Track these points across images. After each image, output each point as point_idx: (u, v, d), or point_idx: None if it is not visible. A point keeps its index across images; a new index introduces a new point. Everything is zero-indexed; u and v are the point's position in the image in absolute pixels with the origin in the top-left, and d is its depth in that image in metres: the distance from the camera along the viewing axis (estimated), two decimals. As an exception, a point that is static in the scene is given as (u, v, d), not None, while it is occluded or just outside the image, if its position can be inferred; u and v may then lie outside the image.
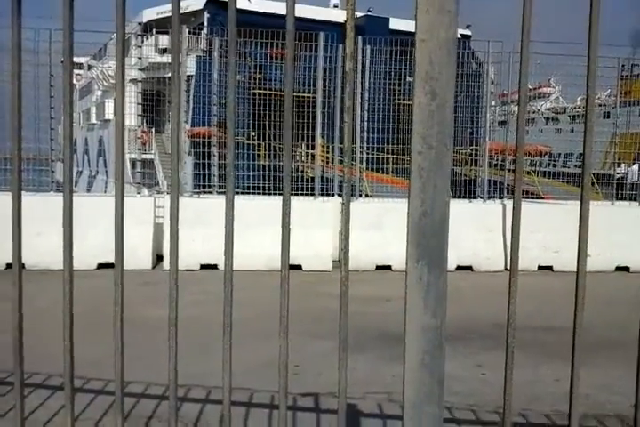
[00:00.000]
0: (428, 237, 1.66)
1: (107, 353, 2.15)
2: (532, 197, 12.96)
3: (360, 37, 11.83)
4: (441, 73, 1.62)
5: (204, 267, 9.68)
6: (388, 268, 10.10)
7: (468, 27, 25.70)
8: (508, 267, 1.94)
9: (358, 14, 20.76)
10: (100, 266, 9.29)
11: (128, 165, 12.77)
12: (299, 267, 9.65)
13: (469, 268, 10.37)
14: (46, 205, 7.33)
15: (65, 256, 1.92)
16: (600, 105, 16.47)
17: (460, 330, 6.26)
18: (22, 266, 2.06)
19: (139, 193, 11.87)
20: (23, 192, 2.09)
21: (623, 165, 14.79)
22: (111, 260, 2.07)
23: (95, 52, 20.20)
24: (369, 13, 24.88)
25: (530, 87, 18.33)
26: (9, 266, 2.12)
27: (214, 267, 9.35)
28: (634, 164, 15.01)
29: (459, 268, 10.05)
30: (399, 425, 1.85)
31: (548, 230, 10.24)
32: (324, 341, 5.52)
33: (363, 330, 6.09)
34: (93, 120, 23.16)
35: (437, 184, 1.64)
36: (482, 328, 6.56)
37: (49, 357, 3.06)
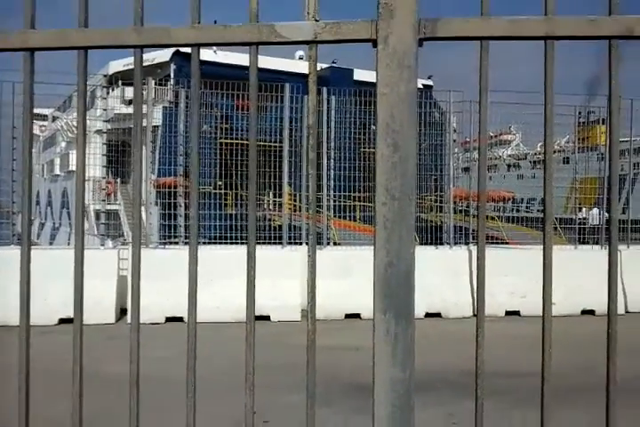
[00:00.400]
0: (394, 288, 1.65)
1: (65, 413, 2.07)
2: (498, 242, 13.13)
3: (325, 88, 12.09)
4: (402, 126, 1.64)
5: (169, 320, 9.50)
6: (358, 316, 10.04)
7: (429, 77, 26.48)
8: (476, 312, 1.93)
9: (323, 66, 21.26)
10: (62, 321, 9.04)
11: (92, 216, 12.63)
12: (267, 317, 9.53)
13: (438, 314, 10.36)
14: (7, 258, 7.17)
15: (22, 313, 1.86)
16: (559, 151, 16.97)
17: (429, 379, 6.20)
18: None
19: (102, 245, 11.70)
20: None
21: (584, 209, 15.18)
22: (73, 315, 2.01)
23: (60, 104, 20.23)
24: (334, 65, 25.51)
25: (491, 135, 18.84)
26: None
27: (180, 320, 9.18)
28: (593, 208, 15.42)
29: (427, 315, 10.03)
30: (371, 482, 1.80)
31: (514, 275, 10.33)
32: (293, 394, 5.39)
33: (332, 381, 5.99)
34: (57, 171, 22.98)
35: (402, 235, 1.64)
36: (451, 376, 6.51)
37: (3, 417, 2.92)
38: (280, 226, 11.89)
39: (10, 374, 2.81)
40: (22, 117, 1.84)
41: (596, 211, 15.30)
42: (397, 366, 1.66)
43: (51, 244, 18.39)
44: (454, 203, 12.84)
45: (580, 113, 14.09)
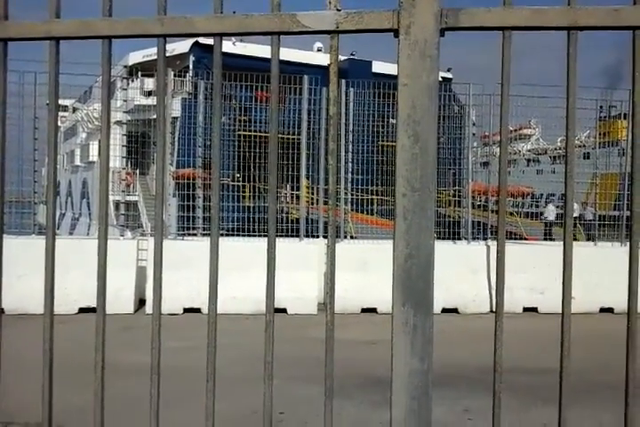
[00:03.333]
0: (414, 279, 1.65)
1: (86, 401, 2.09)
2: (516, 238, 13.04)
3: (344, 80, 12.05)
4: (423, 117, 1.63)
5: (187, 311, 9.55)
6: (374, 310, 10.03)
7: (449, 70, 26.30)
8: (494, 309, 1.92)
9: (341, 58, 21.19)
10: (82, 310, 9.14)
11: (112, 207, 12.72)
12: (284, 310, 9.55)
13: (455, 310, 10.32)
14: (28, 248, 7.26)
15: (46, 302, 1.88)
16: (580, 146, 16.80)
17: (446, 374, 6.18)
18: (1, 311, 2.01)
19: (122, 235, 11.79)
20: (5, 235, 2.06)
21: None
22: (92, 304, 2.03)
23: (80, 95, 20.37)
24: (352, 57, 25.42)
25: (511, 129, 18.68)
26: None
27: (198, 311, 9.23)
28: (549, 204, 15.68)
29: (444, 310, 10.00)
30: (387, 474, 1.80)
31: (533, 271, 10.26)
32: (310, 386, 5.41)
33: (349, 375, 6.00)
34: (77, 162, 23.16)
35: (422, 226, 1.64)
36: (469, 372, 6.49)
37: (26, 405, 2.96)
38: (297, 219, 11.90)
39: (28, 362, 2.84)
40: (46, 108, 1.85)
41: (551, 207, 15.58)
42: (416, 358, 1.66)
43: (71, 234, 18.57)
44: (473, 197, 12.77)
45: (601, 107, 13.90)
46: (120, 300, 9.27)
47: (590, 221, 13.47)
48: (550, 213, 15.67)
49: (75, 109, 23.06)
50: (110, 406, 2.14)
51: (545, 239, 13.64)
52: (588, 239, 13.16)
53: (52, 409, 1.93)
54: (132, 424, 4.17)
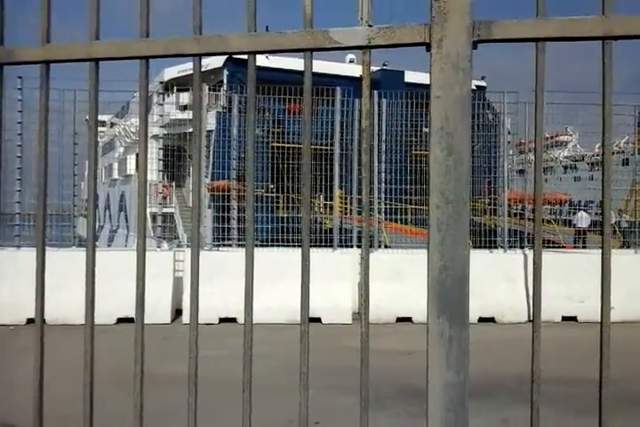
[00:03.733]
0: (449, 291, 1.65)
1: (126, 410, 2.13)
2: (554, 246, 12.84)
3: (376, 91, 12.06)
4: (456, 128, 1.64)
5: (222, 320, 9.62)
6: (409, 319, 9.97)
7: (482, 78, 26.13)
8: (531, 318, 1.91)
9: (374, 68, 21.22)
10: (120, 320, 9.27)
11: (149, 219, 12.91)
12: (318, 320, 9.55)
13: (492, 319, 10.20)
14: (68, 260, 7.41)
15: (87, 314, 1.93)
16: (618, 152, 16.48)
17: (484, 385, 6.11)
18: (43, 321, 2.07)
19: (159, 247, 11.95)
20: (46, 247, 2.13)
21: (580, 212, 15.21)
22: (130, 314, 2.07)
23: (118, 110, 20.78)
24: (384, 67, 25.43)
25: (547, 136, 18.46)
26: (30, 321, 2.14)
27: (233, 320, 9.29)
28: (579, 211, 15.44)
29: (481, 319, 9.89)
30: (424, 486, 1.79)
31: (571, 280, 10.09)
32: (345, 396, 5.40)
33: (384, 385, 5.97)
34: (115, 176, 23.59)
35: (456, 238, 1.64)
36: (506, 383, 6.40)
37: (68, 414, 3.03)
38: (331, 229, 11.91)
39: (69, 371, 2.90)
40: (85, 124, 1.91)
41: (582, 214, 15.30)
42: (451, 370, 1.66)
43: (109, 246, 18.89)
44: (509, 206, 12.62)
45: (639, 113, 13.65)
46: (157, 310, 9.39)
47: (625, 228, 13.20)
48: (581, 220, 15.38)
49: (112, 124, 23.53)
50: (149, 416, 2.18)
51: (575, 247, 13.40)
52: (623, 246, 12.89)
53: (92, 418, 1.97)
54: (170, 434, 4.21)
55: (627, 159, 15.51)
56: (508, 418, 5.37)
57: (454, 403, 1.67)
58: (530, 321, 2.45)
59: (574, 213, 16.42)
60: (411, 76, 23.84)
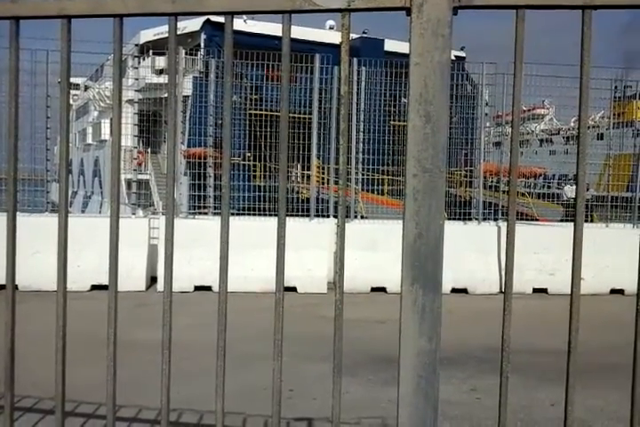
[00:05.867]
0: (423, 259, 1.66)
1: (98, 376, 2.13)
2: (528, 219, 12.99)
3: (355, 59, 11.94)
4: (435, 96, 1.63)
5: (198, 289, 9.63)
6: (383, 289, 10.07)
7: (462, 48, 26.01)
8: (503, 289, 1.93)
9: (353, 36, 20.99)
10: (94, 287, 9.24)
11: (123, 185, 12.76)
12: (293, 289, 9.61)
13: (464, 290, 10.35)
14: (40, 226, 7.33)
15: (59, 278, 1.91)
16: (593, 126, 16.61)
17: (454, 354, 6.23)
18: (16, 287, 2.04)
19: (133, 214, 11.86)
20: (18, 212, 2.09)
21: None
22: (105, 281, 2.06)
23: (92, 73, 20.34)
24: (364, 35, 25.15)
25: (524, 109, 18.52)
26: (2, 287, 2.11)
27: (208, 289, 9.30)
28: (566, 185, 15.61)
29: (454, 290, 10.03)
30: (394, 450, 1.83)
31: (543, 252, 10.25)
32: (319, 364, 5.47)
33: (357, 353, 6.05)
34: (89, 141, 23.22)
35: (432, 207, 1.64)
36: (476, 352, 6.53)
37: (40, 379, 3.02)
38: (308, 198, 11.90)
39: (43, 338, 2.90)
40: (58, 86, 1.86)
41: (569, 187, 15.39)
42: (424, 337, 1.67)
43: (83, 212, 18.69)
44: (484, 178, 12.69)
45: (616, 87, 13.71)
46: (132, 277, 9.35)
47: (590, 202, 13.34)
48: (569, 193, 15.41)
49: (86, 88, 23.06)
50: (122, 381, 2.18)
51: (564, 221, 13.44)
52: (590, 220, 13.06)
53: (64, 383, 1.97)
54: (143, 399, 4.25)
55: (601, 134, 15.64)
56: (478, 386, 5.49)
57: (426, 370, 1.69)
58: (501, 292, 2.49)
59: (561, 187, 16.50)
60: (391, 45, 23.62)
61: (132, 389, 4.20)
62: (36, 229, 7.37)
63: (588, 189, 14.20)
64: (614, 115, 13.97)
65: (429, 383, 1.70)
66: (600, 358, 5.92)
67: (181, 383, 3.05)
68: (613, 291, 10.55)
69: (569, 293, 1.92)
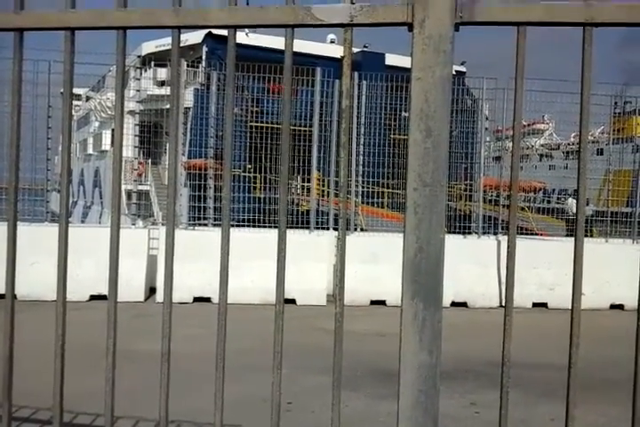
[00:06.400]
0: (424, 273, 1.66)
1: (97, 386, 2.12)
2: (527, 233, 12.98)
3: (356, 73, 11.99)
4: (436, 111, 1.64)
5: (197, 300, 9.61)
6: (383, 302, 10.05)
7: (462, 63, 26.14)
8: (503, 303, 1.93)
9: (355, 50, 21.08)
10: (93, 297, 9.21)
11: (124, 196, 12.77)
12: (293, 301, 9.58)
13: (464, 304, 10.32)
14: (40, 236, 7.32)
15: (59, 288, 1.91)
16: (593, 142, 16.64)
17: (454, 368, 6.20)
18: (14, 296, 2.04)
19: (133, 224, 11.85)
20: (18, 222, 2.09)
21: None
22: (104, 291, 2.06)
23: (94, 84, 20.42)
24: (365, 49, 25.28)
25: (524, 123, 18.58)
26: (1, 296, 2.11)
27: (207, 300, 9.28)
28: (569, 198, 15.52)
29: (454, 304, 10.00)
30: (393, 465, 1.82)
31: (543, 267, 10.23)
32: (318, 376, 5.45)
33: (357, 366, 6.03)
34: (90, 151, 23.26)
35: (432, 221, 1.64)
36: (476, 366, 6.50)
37: (38, 389, 3.01)
38: (308, 211, 11.90)
39: (41, 348, 2.88)
40: (60, 96, 1.86)
41: (572, 200, 15.30)
42: (424, 351, 1.67)
43: (82, 222, 18.68)
44: (484, 192, 12.70)
45: (616, 103, 13.76)
46: (131, 288, 9.33)
47: (591, 217, 13.34)
48: (573, 207, 15.34)
49: (88, 98, 23.13)
50: (120, 392, 2.17)
51: (569, 235, 13.43)
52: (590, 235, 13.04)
53: (63, 393, 1.96)
54: (141, 409, 4.22)
55: (601, 149, 15.66)
56: (478, 401, 5.46)
57: (426, 384, 1.68)
58: (501, 306, 2.48)
59: (562, 202, 16.45)
60: (392, 59, 23.73)
61: (131, 400, 4.18)
62: (36, 239, 7.37)
63: (587, 204, 14.17)
64: (614, 130, 14.00)
65: (429, 397, 1.69)
66: (600, 373, 5.89)
67: (180, 395, 3.04)
68: (613, 306, 10.53)
69: (569, 307, 1.92)
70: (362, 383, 5.77)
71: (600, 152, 15.65)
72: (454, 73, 2.06)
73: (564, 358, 1.98)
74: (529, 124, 21.98)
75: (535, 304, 10.43)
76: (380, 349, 5.90)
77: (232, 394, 2.44)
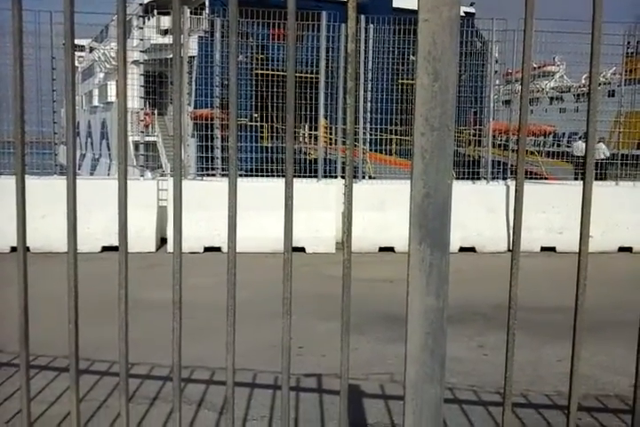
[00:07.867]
0: (431, 218, 1.66)
1: (111, 335, 2.17)
2: (536, 178, 12.92)
3: (363, 16, 11.71)
4: (444, 53, 1.60)
5: (207, 249, 9.71)
6: (391, 249, 10.12)
7: (471, 4, 25.46)
8: (511, 248, 1.93)
9: (361, -7, 20.48)
10: (104, 249, 9.32)
11: (131, 147, 12.74)
12: (302, 249, 9.67)
13: (472, 249, 10.38)
14: (50, 189, 7.35)
15: (69, 240, 1.93)
16: (605, 83, 16.31)
17: (462, 311, 6.29)
18: (27, 249, 2.07)
19: (142, 176, 11.87)
20: (27, 175, 2.09)
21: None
22: (115, 243, 2.07)
23: (97, 34, 20.07)
24: (372, -9, 24.58)
25: (534, 66, 18.20)
26: (13, 249, 2.13)
27: (218, 249, 9.37)
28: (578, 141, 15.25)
29: (462, 249, 10.06)
30: (401, 405, 1.87)
31: (552, 211, 10.23)
32: (328, 322, 5.55)
33: (365, 311, 6.12)
34: (96, 103, 23.07)
35: (440, 166, 1.63)
36: (484, 309, 6.59)
37: (54, 339, 3.08)
38: (315, 159, 11.84)
39: (54, 298, 2.94)
40: (63, 48, 1.83)
41: (580, 143, 14.96)
42: (431, 295, 1.69)
43: (91, 174, 18.73)
44: (493, 137, 12.56)
45: (628, 42, 13.39)
46: (142, 239, 9.42)
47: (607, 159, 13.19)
48: (578, 150, 15.06)
49: (91, 49, 22.78)
50: (134, 340, 2.22)
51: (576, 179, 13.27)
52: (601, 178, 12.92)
53: (78, 343, 2.01)
54: (155, 357, 4.34)
55: (613, 91, 15.36)
56: (485, 343, 5.56)
57: (433, 327, 1.71)
58: (509, 251, 2.50)
59: (569, 144, 16.22)
60: (399, 1, 23.11)
61: (145, 347, 4.29)
62: (46, 192, 7.40)
63: (605, 146, 13.95)
64: (626, 71, 13.70)
65: (437, 340, 1.72)
66: (608, 314, 5.97)
67: (192, 342, 3.11)
68: (622, 249, 10.57)
69: (577, 251, 1.93)
70: (370, 328, 5.88)
71: (612, 94, 15.34)
72: (463, 14, 2.01)
73: (572, 302, 2.00)
74: (539, 67, 21.50)
75: (543, 248, 10.47)
76: (389, 294, 5.99)
77: (243, 340, 2.50)
